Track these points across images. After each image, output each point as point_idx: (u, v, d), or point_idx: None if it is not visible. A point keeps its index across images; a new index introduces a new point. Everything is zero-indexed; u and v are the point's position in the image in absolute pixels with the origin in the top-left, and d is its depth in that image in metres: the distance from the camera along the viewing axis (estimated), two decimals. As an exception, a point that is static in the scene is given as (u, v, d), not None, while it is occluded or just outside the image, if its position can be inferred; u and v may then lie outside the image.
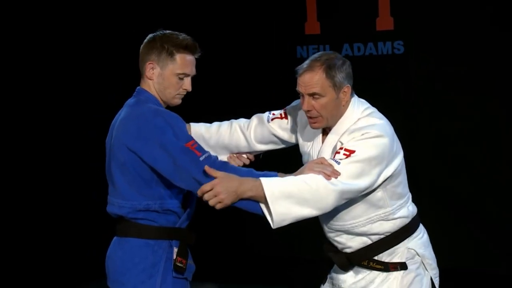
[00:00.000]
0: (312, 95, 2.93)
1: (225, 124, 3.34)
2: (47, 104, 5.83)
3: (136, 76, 3.02)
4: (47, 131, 5.83)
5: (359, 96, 3.11)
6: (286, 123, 3.25)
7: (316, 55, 2.98)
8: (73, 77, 6.00)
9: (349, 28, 5.61)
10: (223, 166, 2.83)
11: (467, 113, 5.33)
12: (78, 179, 5.99)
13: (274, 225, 2.78)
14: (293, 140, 3.27)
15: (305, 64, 2.96)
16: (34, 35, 5.72)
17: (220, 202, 2.72)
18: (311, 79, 2.92)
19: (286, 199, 2.74)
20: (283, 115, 3.27)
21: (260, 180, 2.76)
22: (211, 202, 2.72)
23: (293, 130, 3.24)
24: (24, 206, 5.67)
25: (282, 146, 3.33)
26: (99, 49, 6.10)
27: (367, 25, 5.53)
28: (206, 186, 2.72)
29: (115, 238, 3.03)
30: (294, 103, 3.27)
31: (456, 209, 5.39)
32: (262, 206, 2.78)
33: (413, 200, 3.18)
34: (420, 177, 5.33)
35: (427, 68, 5.43)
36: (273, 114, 3.29)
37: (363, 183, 2.84)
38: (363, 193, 2.88)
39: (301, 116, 3.18)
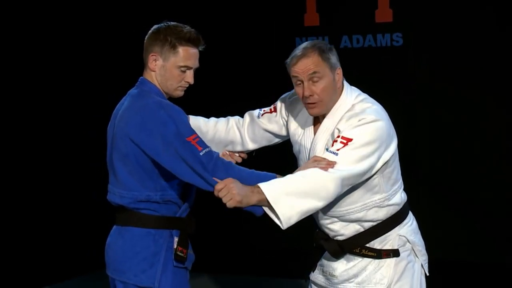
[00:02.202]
0: (312, 78, 2.95)
1: (222, 120, 3.36)
2: (47, 104, 5.84)
3: (136, 76, 3.02)
4: (47, 131, 5.84)
5: (358, 88, 3.13)
6: (276, 115, 3.28)
7: (304, 44, 3.01)
8: (72, 77, 6.00)
9: (348, 20, 5.62)
10: (227, 166, 2.84)
11: (465, 105, 5.36)
12: (78, 179, 6.00)
13: (283, 225, 2.77)
14: (284, 133, 3.29)
15: (298, 52, 2.98)
16: (34, 35, 5.72)
17: (231, 199, 2.73)
18: (307, 63, 2.95)
19: (287, 196, 2.75)
20: (272, 109, 3.30)
21: (258, 185, 2.76)
22: (224, 199, 2.74)
23: (284, 121, 3.27)
24: (24, 204, 5.69)
25: (275, 140, 3.34)
26: (99, 49, 6.11)
27: (366, 17, 5.55)
28: (219, 185, 2.75)
29: (115, 227, 3.03)
30: (283, 96, 3.30)
31: (452, 200, 5.42)
32: (267, 210, 2.79)
33: (409, 190, 3.21)
34: (417, 167, 5.36)
35: (426, 60, 5.45)
36: (264, 110, 3.32)
37: (362, 166, 2.86)
38: (363, 177, 2.91)
39: (292, 105, 3.21)
